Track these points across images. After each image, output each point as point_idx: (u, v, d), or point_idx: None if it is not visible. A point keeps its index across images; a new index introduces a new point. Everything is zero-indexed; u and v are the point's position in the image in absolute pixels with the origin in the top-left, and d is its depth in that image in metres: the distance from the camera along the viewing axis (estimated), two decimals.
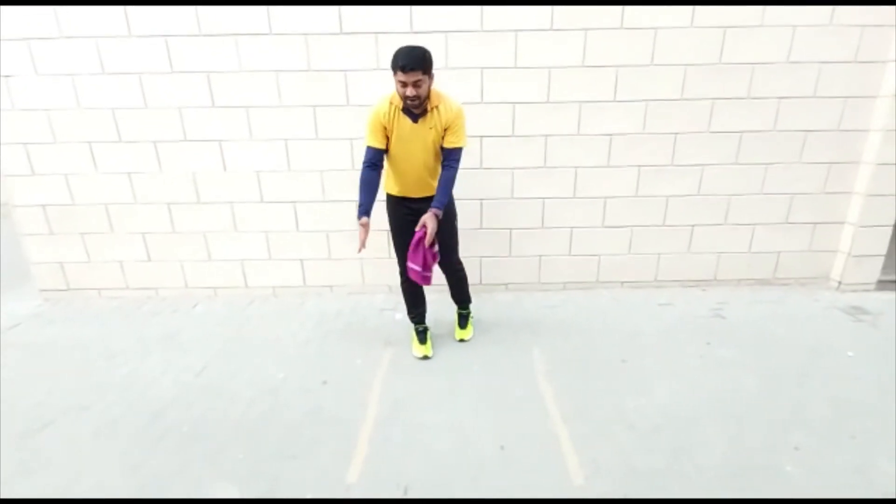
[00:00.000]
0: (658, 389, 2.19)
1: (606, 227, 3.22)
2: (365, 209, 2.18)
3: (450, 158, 2.20)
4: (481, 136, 2.99)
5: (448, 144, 2.18)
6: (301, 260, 3.29)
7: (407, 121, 2.14)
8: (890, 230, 3.11)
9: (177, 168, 3.07)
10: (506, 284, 3.36)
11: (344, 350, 2.58)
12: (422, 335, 2.58)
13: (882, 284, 3.23)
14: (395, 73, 2.02)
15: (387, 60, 2.82)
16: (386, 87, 2.88)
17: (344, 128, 2.99)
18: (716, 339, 2.63)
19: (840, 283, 3.25)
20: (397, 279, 3.30)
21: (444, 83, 2.89)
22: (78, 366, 2.47)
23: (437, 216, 2.17)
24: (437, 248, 2.27)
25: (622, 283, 3.36)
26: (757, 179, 3.12)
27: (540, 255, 3.29)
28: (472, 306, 2.75)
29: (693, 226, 3.22)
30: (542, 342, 2.63)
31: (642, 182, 3.12)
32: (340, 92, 2.92)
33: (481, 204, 3.15)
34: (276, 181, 3.11)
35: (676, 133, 3.01)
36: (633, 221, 3.21)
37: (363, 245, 2.18)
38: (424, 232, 2.15)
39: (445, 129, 2.15)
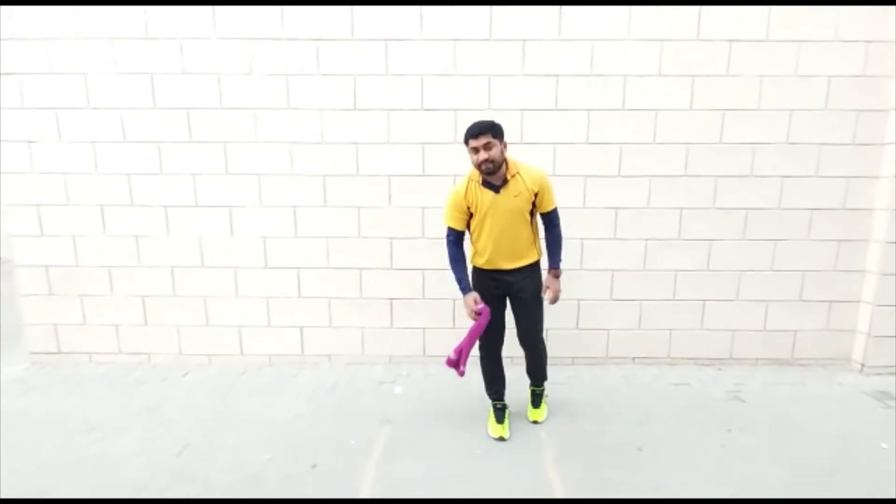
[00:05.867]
0: (679, 484, 1.99)
1: (614, 300, 3.14)
2: (466, 283, 2.24)
3: (551, 221, 2.30)
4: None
5: (545, 209, 2.24)
6: (300, 327, 3.19)
7: (489, 193, 2.14)
8: None
9: (184, 232, 3.09)
10: (511, 358, 3.20)
11: (337, 428, 2.41)
12: (500, 413, 2.41)
13: None
14: (466, 144, 2.09)
15: (396, 134, 2.96)
16: (395, 160, 2.98)
17: (353, 196, 3.03)
18: (737, 425, 2.44)
19: (863, 365, 3.08)
20: (399, 349, 3.22)
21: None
22: (48, 441, 2.29)
23: (558, 276, 2.32)
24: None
25: (633, 359, 3.21)
26: (766, 256, 3.08)
27: (546, 329, 3.16)
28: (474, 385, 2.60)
29: (704, 301, 3.14)
30: (549, 423, 2.47)
31: (649, 255, 3.08)
32: (351, 162, 3.00)
33: None
34: (281, 247, 3.10)
35: (681, 208, 3.03)
36: (642, 295, 3.13)
37: (478, 314, 2.19)
38: (487, 321, 2.18)
39: (536, 194, 2.17)
